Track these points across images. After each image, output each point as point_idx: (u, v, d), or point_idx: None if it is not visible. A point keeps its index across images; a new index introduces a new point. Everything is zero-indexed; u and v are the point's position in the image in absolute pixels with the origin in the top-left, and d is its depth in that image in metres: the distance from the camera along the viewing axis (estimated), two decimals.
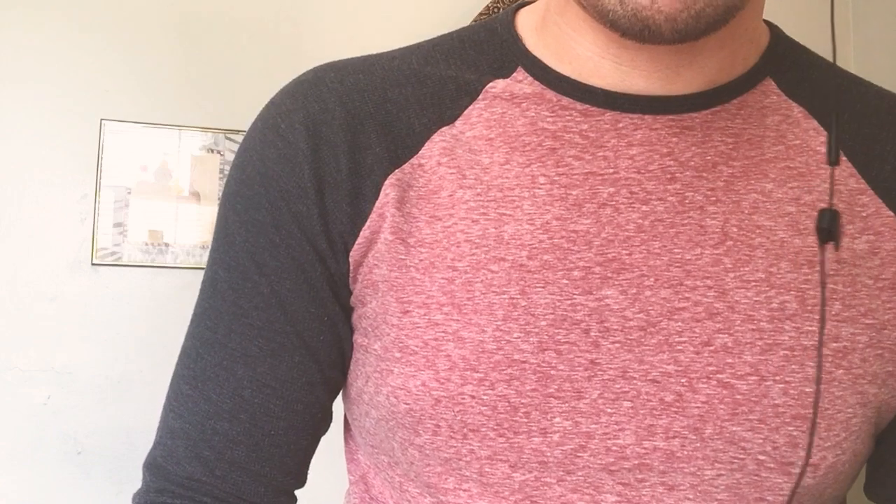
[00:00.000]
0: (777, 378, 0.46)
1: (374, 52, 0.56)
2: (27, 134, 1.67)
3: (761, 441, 0.46)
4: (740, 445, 0.46)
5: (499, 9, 1.73)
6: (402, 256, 0.49)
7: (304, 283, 0.51)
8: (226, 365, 0.52)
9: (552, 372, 0.46)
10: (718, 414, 0.46)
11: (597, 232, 0.47)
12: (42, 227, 1.67)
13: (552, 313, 0.46)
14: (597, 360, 0.46)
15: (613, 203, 0.47)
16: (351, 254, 0.50)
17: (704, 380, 0.46)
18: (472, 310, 0.47)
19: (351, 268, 0.51)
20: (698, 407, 0.46)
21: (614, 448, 0.46)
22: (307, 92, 0.52)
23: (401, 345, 0.48)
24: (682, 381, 0.46)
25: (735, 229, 0.47)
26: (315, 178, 0.50)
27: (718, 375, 0.46)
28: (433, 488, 0.49)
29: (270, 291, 0.51)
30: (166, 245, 1.72)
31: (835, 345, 0.47)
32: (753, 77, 0.50)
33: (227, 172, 1.76)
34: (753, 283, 0.47)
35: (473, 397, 0.46)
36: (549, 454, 0.46)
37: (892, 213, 0.49)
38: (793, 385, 0.46)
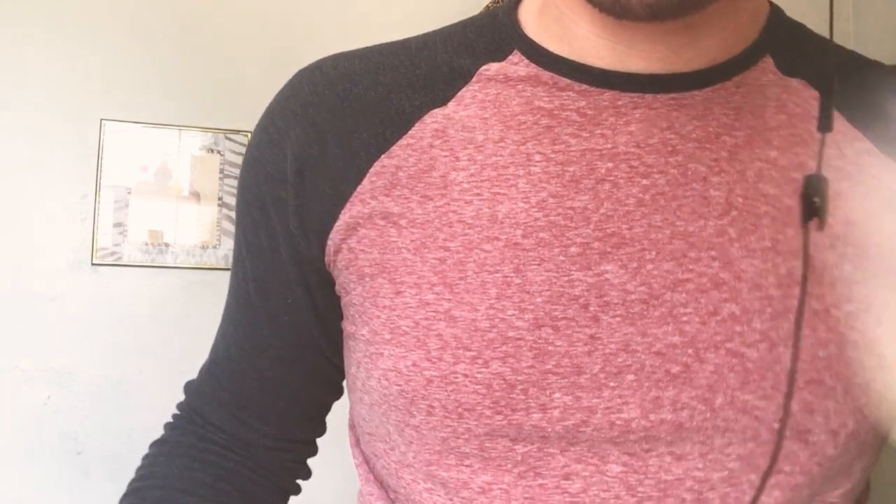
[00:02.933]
0: (788, 343, 0.45)
1: None
2: (27, 134, 1.67)
3: (775, 409, 0.45)
4: (753, 415, 0.45)
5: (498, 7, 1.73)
6: (394, 238, 0.49)
7: (272, 262, 0.55)
8: (225, 325, 0.61)
9: (549, 348, 0.46)
10: (729, 383, 0.45)
11: (595, 208, 0.47)
12: (42, 227, 1.67)
13: (548, 290, 0.46)
14: (597, 335, 0.46)
15: (612, 178, 0.47)
16: (330, 236, 0.51)
17: (713, 350, 0.45)
18: (465, 289, 0.47)
19: (329, 251, 0.52)
20: (707, 377, 0.45)
21: (619, 422, 0.46)
22: (303, 79, 0.54)
23: (392, 326, 0.49)
24: (689, 351, 0.45)
25: (740, 199, 0.47)
26: (296, 160, 0.52)
27: (727, 344, 0.45)
28: (434, 465, 0.49)
29: (251, 267, 0.57)
30: (166, 245, 1.72)
31: (848, 307, 0.46)
32: (753, 54, 0.50)
33: (227, 172, 1.77)
34: (759, 252, 0.46)
35: (466, 376, 0.46)
36: (549, 429, 0.46)
37: None
38: (805, 349, 0.45)
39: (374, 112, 0.51)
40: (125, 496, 0.59)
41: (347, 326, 0.54)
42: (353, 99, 0.52)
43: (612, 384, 0.46)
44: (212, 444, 0.61)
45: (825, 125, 0.45)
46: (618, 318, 0.46)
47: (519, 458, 0.47)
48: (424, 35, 0.55)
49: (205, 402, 0.62)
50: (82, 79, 1.70)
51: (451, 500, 0.49)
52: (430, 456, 0.49)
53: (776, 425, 0.45)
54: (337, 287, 0.54)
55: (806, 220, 0.45)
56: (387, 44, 0.55)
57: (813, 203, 0.45)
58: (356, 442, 0.58)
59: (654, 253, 0.46)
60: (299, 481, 0.64)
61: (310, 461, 0.64)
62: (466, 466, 0.48)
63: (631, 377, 0.45)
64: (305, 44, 1.80)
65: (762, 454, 0.45)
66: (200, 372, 0.63)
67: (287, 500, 0.64)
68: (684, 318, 0.45)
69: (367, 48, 0.55)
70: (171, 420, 0.64)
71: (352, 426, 0.59)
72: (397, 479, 0.52)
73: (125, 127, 1.71)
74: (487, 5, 1.78)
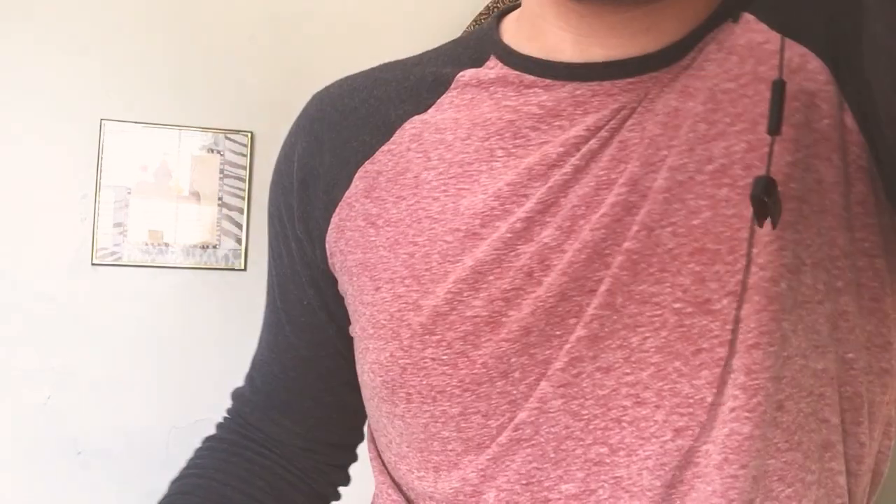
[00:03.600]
0: (663, 223, 0.46)
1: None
2: (27, 134, 1.67)
3: (670, 289, 0.46)
4: (652, 302, 0.46)
5: (498, 9, 1.73)
6: (373, 238, 0.53)
7: (289, 267, 0.60)
8: (262, 331, 0.65)
9: (503, 319, 0.48)
10: (623, 281, 0.46)
11: (541, 185, 0.49)
12: (42, 227, 1.67)
13: (498, 267, 0.48)
14: (540, 296, 0.48)
15: (562, 163, 0.49)
16: (326, 239, 0.56)
17: (619, 266, 0.47)
18: (430, 279, 0.50)
19: (328, 253, 0.56)
20: (610, 286, 0.47)
21: (552, 357, 0.47)
22: (314, 98, 0.60)
23: (374, 321, 0.52)
24: (610, 282, 0.47)
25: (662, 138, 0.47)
26: (301, 170, 0.57)
27: (626, 251, 0.47)
28: (425, 451, 0.52)
29: (275, 273, 0.62)
30: (166, 245, 1.72)
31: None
32: (719, 19, 0.49)
33: (227, 172, 1.77)
34: (657, 164, 0.47)
35: (434, 360, 0.49)
36: (514, 392, 0.48)
37: None
38: (680, 224, 0.46)
39: (365, 123, 0.55)
40: (173, 482, 0.64)
41: (350, 327, 0.57)
42: (349, 112, 0.56)
43: (558, 332, 0.48)
44: (250, 441, 0.65)
45: (774, 128, 0.43)
46: (556, 275, 0.48)
47: (494, 431, 0.49)
48: (423, 53, 0.59)
49: (244, 403, 0.67)
50: (82, 79, 1.70)
51: (441, 482, 0.51)
52: (418, 444, 0.52)
53: (677, 305, 0.46)
54: (339, 289, 0.57)
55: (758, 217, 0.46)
56: (390, 62, 0.59)
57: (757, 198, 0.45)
58: (371, 437, 0.61)
59: (583, 209, 0.48)
60: (340, 488, 0.68)
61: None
62: (451, 450, 0.51)
63: (572, 321, 0.48)
64: (306, 44, 1.80)
65: (678, 339, 0.46)
66: (245, 377, 0.68)
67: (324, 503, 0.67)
68: (606, 252, 0.47)
69: (373, 67, 0.59)
70: (222, 420, 0.69)
71: (368, 424, 0.63)
72: (396, 470, 0.55)
73: (125, 127, 1.71)
74: (481, 12, 1.78)
